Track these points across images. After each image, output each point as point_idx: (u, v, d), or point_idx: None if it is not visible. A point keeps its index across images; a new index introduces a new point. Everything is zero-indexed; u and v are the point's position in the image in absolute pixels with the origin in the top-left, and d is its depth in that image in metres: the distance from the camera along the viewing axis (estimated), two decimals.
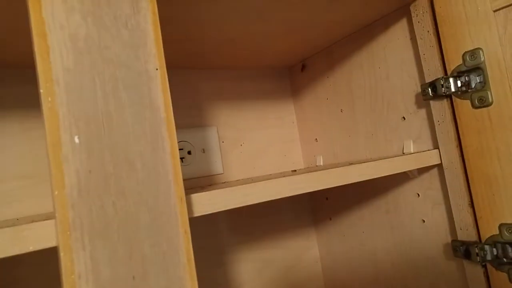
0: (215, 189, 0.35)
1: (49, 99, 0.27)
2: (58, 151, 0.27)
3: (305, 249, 0.82)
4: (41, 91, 0.26)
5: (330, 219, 0.80)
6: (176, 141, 0.31)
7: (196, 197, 0.34)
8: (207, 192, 0.34)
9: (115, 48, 0.30)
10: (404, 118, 0.63)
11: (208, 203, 0.34)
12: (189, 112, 0.74)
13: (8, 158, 0.56)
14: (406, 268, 0.64)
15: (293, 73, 0.86)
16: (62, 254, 0.26)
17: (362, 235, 0.72)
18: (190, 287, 0.29)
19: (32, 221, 0.28)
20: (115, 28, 0.30)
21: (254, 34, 0.62)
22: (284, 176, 0.42)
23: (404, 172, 0.62)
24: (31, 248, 0.27)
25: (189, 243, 0.30)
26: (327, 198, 0.81)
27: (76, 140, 0.27)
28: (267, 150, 0.81)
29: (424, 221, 0.61)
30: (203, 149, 0.73)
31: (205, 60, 0.71)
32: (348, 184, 0.73)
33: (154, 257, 0.29)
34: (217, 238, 0.73)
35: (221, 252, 0.73)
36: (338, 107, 0.75)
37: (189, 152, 0.71)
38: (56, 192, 0.26)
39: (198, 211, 0.34)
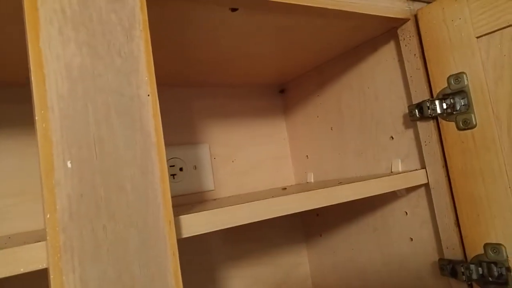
0: (204, 211, 0.36)
1: (44, 125, 0.28)
2: (51, 176, 0.27)
3: (296, 265, 0.83)
4: (36, 118, 0.27)
5: (321, 235, 0.81)
6: (165, 165, 0.32)
7: (185, 218, 0.35)
8: (196, 213, 0.35)
9: (108, 76, 0.31)
10: (393, 138, 0.64)
11: (197, 224, 0.35)
12: (181, 129, 0.75)
13: (0, 175, 0.57)
14: (394, 286, 0.65)
15: (285, 92, 0.87)
16: (52, 277, 0.26)
17: (352, 251, 0.73)
18: None
19: (24, 243, 0.29)
20: (108, 56, 0.31)
21: (247, 55, 0.63)
22: (273, 197, 0.42)
23: (393, 190, 0.64)
24: (22, 270, 0.27)
25: (177, 265, 0.31)
26: (317, 215, 0.81)
27: (69, 165, 0.28)
28: (259, 166, 0.82)
29: (412, 239, 0.62)
30: (195, 166, 0.74)
31: (198, 78, 0.72)
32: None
33: (143, 278, 0.29)
34: (208, 255, 0.74)
35: (212, 268, 0.73)
36: (328, 125, 0.76)
37: (180, 169, 0.72)
38: (48, 216, 0.27)
39: (187, 233, 0.35)
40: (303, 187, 0.59)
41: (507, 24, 0.48)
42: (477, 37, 0.51)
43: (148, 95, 0.32)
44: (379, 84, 0.65)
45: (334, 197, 0.47)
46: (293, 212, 0.42)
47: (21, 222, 0.56)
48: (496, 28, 0.49)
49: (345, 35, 0.62)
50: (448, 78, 0.54)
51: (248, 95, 0.84)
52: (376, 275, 0.68)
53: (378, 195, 0.66)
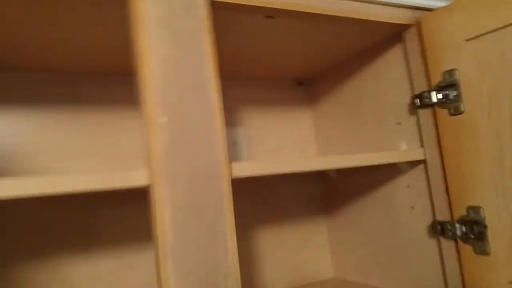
0: (247, 161, 0.51)
1: (147, 93, 0.43)
2: (153, 126, 0.43)
3: (315, 233, 0.97)
4: (145, 89, 0.43)
5: (339, 208, 0.94)
6: (223, 126, 0.47)
7: (236, 164, 0.50)
8: (244, 162, 0.50)
9: (187, 63, 0.46)
10: (399, 123, 0.77)
11: (245, 169, 0.50)
12: (224, 113, 0.90)
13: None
14: (397, 247, 0.78)
15: (311, 85, 1.02)
16: (155, 187, 0.42)
17: (364, 221, 0.86)
18: (229, 219, 0.45)
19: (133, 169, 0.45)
20: (187, 50, 0.47)
21: (278, 54, 0.78)
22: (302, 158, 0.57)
23: (398, 167, 0.77)
24: (132, 184, 0.43)
25: (230, 192, 0.46)
26: (337, 190, 0.95)
27: (164, 119, 0.44)
28: (287, 148, 0.97)
29: (412, 208, 0.74)
30: (234, 143, 0.89)
31: (236, 72, 0.88)
32: (356, 176, 0.88)
33: (208, 196, 0.45)
34: (242, 217, 0.89)
35: (245, 227, 0.89)
36: (348, 114, 0.90)
37: None
38: (152, 150, 0.43)
39: (237, 173, 0.50)
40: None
41: (487, 31, 0.60)
42: (466, 40, 0.63)
43: (213, 78, 0.47)
44: (389, 79, 0.78)
45: (352, 160, 0.61)
46: (317, 169, 0.56)
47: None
48: (479, 34, 0.61)
49: (361, 37, 0.75)
50: (443, 73, 0.67)
51: (280, 87, 0.99)
52: (383, 240, 0.81)
53: (386, 171, 0.80)
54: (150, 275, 0.76)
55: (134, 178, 0.44)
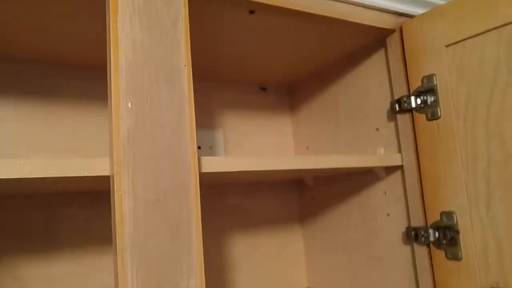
0: (217, 156, 0.49)
1: (115, 78, 0.41)
2: (118, 111, 0.41)
3: (291, 241, 0.94)
4: (112, 72, 0.41)
5: (314, 216, 0.93)
6: (194, 116, 0.45)
7: (205, 159, 0.48)
8: (213, 157, 0.48)
9: (159, 50, 0.44)
10: (378, 129, 0.76)
11: (214, 164, 0.48)
12: (201, 115, 0.88)
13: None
14: (373, 254, 0.76)
15: (291, 90, 1.01)
16: (115, 177, 0.40)
17: (340, 228, 0.85)
18: (194, 212, 0.43)
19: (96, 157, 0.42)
20: (160, 37, 0.45)
21: (260, 54, 0.77)
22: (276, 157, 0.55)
23: (375, 174, 0.76)
24: (94, 174, 0.41)
25: (197, 184, 0.44)
26: (312, 198, 0.93)
27: (129, 105, 0.42)
28: (265, 153, 0.95)
29: (388, 215, 0.73)
30: (211, 146, 0.87)
31: (217, 74, 0.86)
32: (333, 184, 0.86)
33: (173, 189, 0.42)
34: (215, 223, 0.86)
35: (219, 234, 0.86)
36: (327, 121, 0.89)
37: (199, 147, 0.86)
38: (114, 138, 0.40)
39: (205, 169, 0.48)
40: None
41: (467, 36, 0.60)
42: (446, 46, 0.63)
43: (185, 66, 0.46)
44: (370, 85, 0.78)
45: (328, 161, 0.59)
46: (290, 168, 0.54)
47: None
48: (460, 39, 0.61)
49: (344, 41, 0.75)
50: (422, 78, 0.66)
51: (259, 91, 0.97)
52: (360, 247, 0.80)
53: (364, 178, 0.79)
54: (110, 277, 0.72)
55: (95, 167, 0.41)
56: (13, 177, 0.38)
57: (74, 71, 0.75)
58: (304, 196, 0.96)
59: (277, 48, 0.75)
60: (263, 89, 0.97)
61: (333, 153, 0.87)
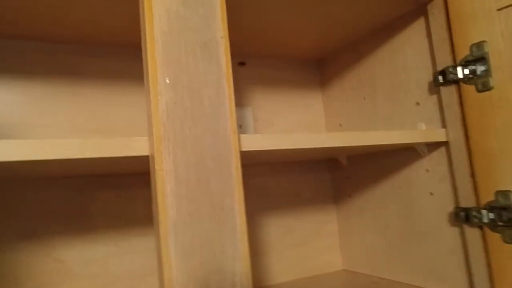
0: (258, 134, 0.46)
1: (151, 52, 0.38)
2: (155, 87, 0.38)
3: (325, 223, 0.92)
4: (148, 45, 0.38)
5: (350, 196, 0.89)
6: (232, 90, 0.42)
7: (244, 137, 0.45)
8: (253, 135, 0.45)
9: (194, 20, 0.41)
10: (418, 104, 0.72)
11: (254, 142, 0.45)
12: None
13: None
14: (414, 236, 0.73)
15: (322, 65, 0.96)
16: (156, 156, 0.37)
17: (377, 209, 0.81)
18: (237, 193, 0.40)
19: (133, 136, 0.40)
20: (195, 6, 0.41)
21: (287, 25, 0.73)
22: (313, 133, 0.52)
23: (416, 151, 0.71)
24: (133, 154, 0.38)
25: (239, 163, 0.41)
26: (347, 177, 0.90)
27: (167, 81, 0.39)
28: (295, 131, 0.92)
29: (431, 194, 0.69)
30: (240, 125, 0.84)
31: (243, 48, 0.82)
32: (369, 163, 0.83)
33: (215, 168, 0.40)
34: (247, 204, 0.84)
35: (250, 214, 0.84)
36: (361, 96, 0.84)
37: None
38: (153, 114, 0.38)
39: (246, 147, 0.45)
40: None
41: None
42: (498, 10, 0.58)
43: (222, 37, 0.42)
44: (408, 56, 0.73)
45: (367, 138, 0.56)
46: (329, 146, 0.51)
47: None
48: None
49: (380, 9, 0.70)
50: (470, 47, 0.61)
51: (289, 67, 0.93)
52: (399, 228, 0.76)
53: (403, 155, 0.75)
54: (147, 259, 0.71)
55: (134, 146, 0.39)
56: (50, 158, 0.36)
57: (100, 50, 0.73)
58: (338, 176, 0.93)
59: (305, 17, 0.70)
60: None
61: (369, 130, 0.83)
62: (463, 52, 0.62)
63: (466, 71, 0.62)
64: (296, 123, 0.92)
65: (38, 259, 0.64)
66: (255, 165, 0.87)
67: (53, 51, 0.70)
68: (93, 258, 0.67)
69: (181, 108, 0.39)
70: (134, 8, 0.57)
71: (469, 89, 0.62)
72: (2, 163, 0.35)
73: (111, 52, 0.74)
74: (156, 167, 0.37)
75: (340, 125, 0.91)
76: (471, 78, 0.61)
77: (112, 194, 0.70)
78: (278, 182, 0.88)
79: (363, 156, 0.85)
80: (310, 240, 0.89)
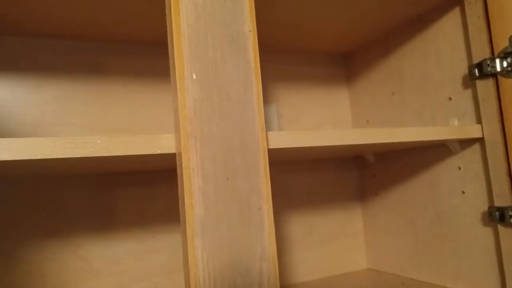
0: (286, 131, 0.45)
1: (178, 46, 0.37)
2: (182, 83, 0.37)
3: (349, 221, 0.90)
4: (174, 39, 0.37)
5: (376, 194, 0.87)
6: (260, 86, 0.41)
7: (272, 134, 0.44)
8: (281, 132, 0.44)
9: (222, 13, 0.40)
10: (451, 99, 0.68)
11: (281, 139, 0.44)
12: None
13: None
14: (445, 236, 0.70)
15: (348, 59, 0.94)
16: (183, 154, 0.36)
17: (406, 207, 0.79)
18: (265, 192, 0.39)
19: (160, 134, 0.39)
20: None
21: (316, 20, 0.70)
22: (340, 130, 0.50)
23: (448, 148, 0.68)
24: (159, 152, 0.38)
25: (267, 161, 0.40)
26: (374, 175, 0.87)
27: (194, 76, 0.38)
28: (321, 128, 0.90)
29: (463, 192, 0.66)
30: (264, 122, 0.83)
31: (267, 43, 0.81)
32: (396, 160, 0.80)
33: (242, 166, 0.39)
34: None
35: (274, 212, 0.83)
36: (390, 91, 0.82)
37: None
38: (180, 111, 0.37)
39: (273, 145, 0.43)
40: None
41: None
42: None
43: (250, 31, 0.41)
44: (441, 49, 0.70)
45: (398, 134, 0.53)
46: (359, 143, 0.49)
47: None
48: None
49: (412, 2, 0.67)
50: (510, 37, 0.58)
51: (314, 62, 0.91)
52: (428, 227, 0.74)
53: (434, 152, 0.72)
54: (171, 256, 0.71)
55: (160, 144, 0.38)
56: (77, 156, 0.35)
57: (125, 48, 0.73)
58: (365, 173, 0.91)
59: (330, 13, 0.68)
60: None
61: (398, 126, 0.80)
62: (502, 43, 0.59)
63: (505, 64, 0.58)
64: (321, 119, 0.90)
65: (64, 256, 0.65)
66: (278, 163, 0.85)
67: (78, 50, 0.70)
68: (117, 256, 0.68)
69: (209, 104, 0.38)
70: (158, 4, 0.56)
71: (508, 83, 0.58)
72: (29, 161, 0.35)
73: (135, 51, 0.73)
74: (183, 165, 0.36)
75: (367, 121, 0.89)
76: (510, 71, 0.58)
77: (134, 192, 0.70)
78: (301, 179, 0.87)
79: (390, 153, 0.83)
80: (334, 238, 0.88)
